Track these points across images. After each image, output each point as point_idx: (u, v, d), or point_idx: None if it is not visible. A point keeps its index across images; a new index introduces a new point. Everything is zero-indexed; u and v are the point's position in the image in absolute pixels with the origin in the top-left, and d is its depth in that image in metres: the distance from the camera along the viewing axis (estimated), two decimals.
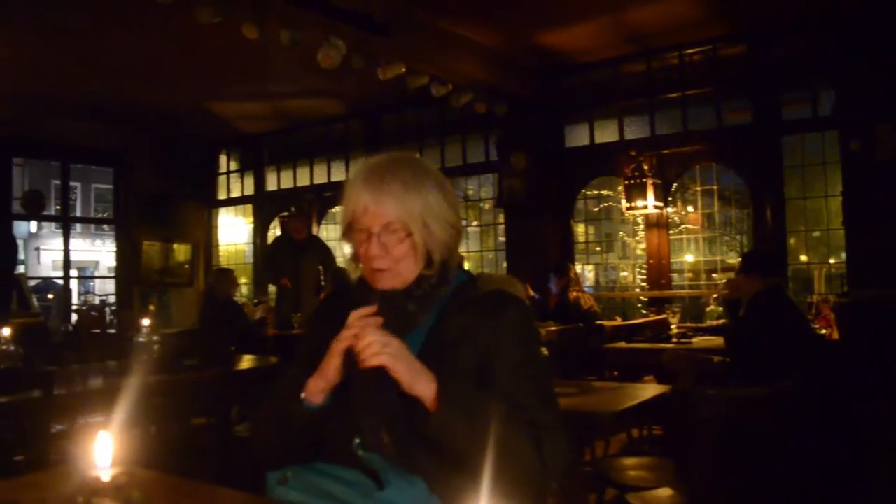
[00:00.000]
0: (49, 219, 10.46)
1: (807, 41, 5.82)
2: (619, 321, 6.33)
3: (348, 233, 1.40)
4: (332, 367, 1.29)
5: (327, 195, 8.60)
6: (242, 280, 8.85)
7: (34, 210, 8.62)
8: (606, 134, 6.92)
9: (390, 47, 5.33)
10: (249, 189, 9.34)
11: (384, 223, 1.33)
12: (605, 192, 7.44)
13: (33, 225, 16.32)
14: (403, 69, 5.56)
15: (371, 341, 1.24)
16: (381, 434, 1.27)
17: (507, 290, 1.45)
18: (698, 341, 4.75)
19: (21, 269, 11.20)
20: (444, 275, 1.40)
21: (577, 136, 7.07)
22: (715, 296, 6.28)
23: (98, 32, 5.48)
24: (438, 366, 1.28)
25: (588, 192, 7.30)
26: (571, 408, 2.31)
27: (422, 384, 1.24)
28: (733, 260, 7.08)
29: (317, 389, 1.31)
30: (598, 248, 8.01)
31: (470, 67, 6.03)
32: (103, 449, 0.79)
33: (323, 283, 6.75)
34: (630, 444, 4.23)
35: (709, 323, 6.12)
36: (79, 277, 16.70)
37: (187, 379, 2.90)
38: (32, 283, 13.61)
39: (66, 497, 1.40)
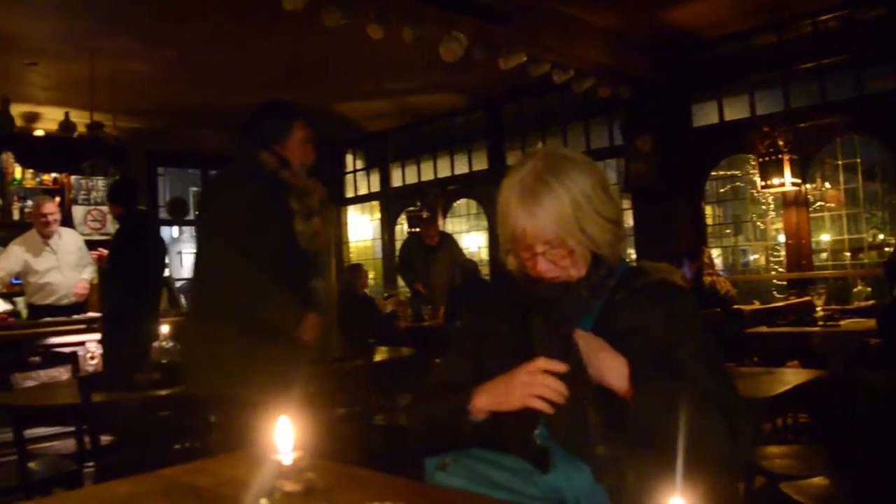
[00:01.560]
0: (191, 224, 11.10)
1: None
2: (757, 305, 6.07)
3: (511, 249, 1.42)
4: (511, 401, 1.30)
5: (451, 188, 8.70)
6: (371, 274, 9.10)
7: (178, 216, 9.19)
8: (736, 111, 6.63)
9: (511, 36, 5.32)
10: (375, 186, 9.58)
11: (545, 241, 1.34)
12: (732, 172, 7.14)
13: (175, 230, 17.38)
14: (524, 58, 5.54)
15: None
16: (583, 421, 1.28)
17: (671, 278, 1.44)
18: (847, 324, 4.49)
19: (166, 271, 11.98)
20: (611, 266, 1.42)
21: (706, 115, 6.82)
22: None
23: (232, 44, 5.78)
24: None
25: (714, 173, 7.03)
26: None
27: (614, 372, 1.26)
28: (881, 238, 6.63)
29: (486, 409, 1.33)
30: (727, 231, 7.70)
31: (591, 51, 5.93)
32: (284, 434, 0.84)
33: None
34: (774, 432, 4.05)
35: (856, 304, 5.77)
36: None
37: (333, 370, 3.03)
38: (177, 283, 14.49)
39: (241, 480, 1.50)
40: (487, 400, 1.32)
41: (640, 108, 6.81)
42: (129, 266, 4.95)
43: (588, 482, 1.21)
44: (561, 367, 1.25)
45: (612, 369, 1.26)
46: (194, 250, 2.81)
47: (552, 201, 1.32)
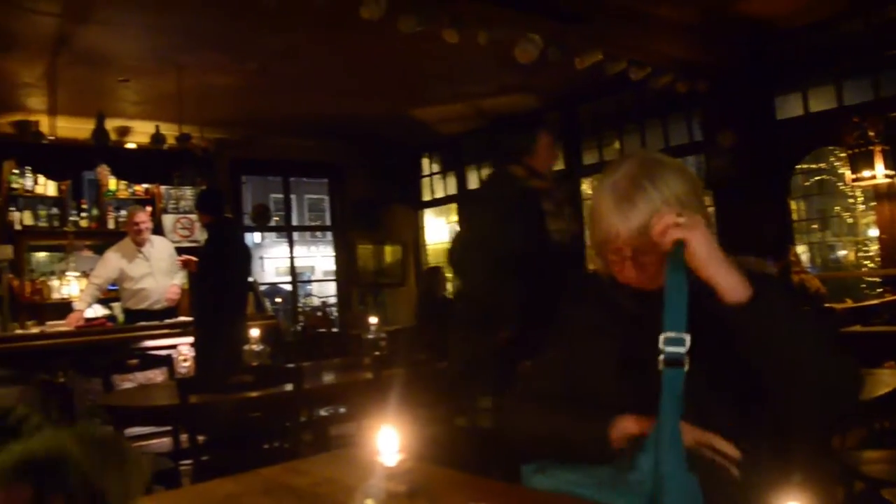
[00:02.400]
0: (273, 229, 11.42)
1: None
2: (849, 303, 5.84)
3: (601, 251, 1.42)
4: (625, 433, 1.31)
5: None
6: (449, 276, 9.15)
7: (261, 222, 9.47)
8: (822, 101, 6.39)
9: (586, 35, 5.29)
10: (452, 189, 9.64)
11: (635, 247, 1.34)
12: (817, 165, 6.88)
13: (257, 236, 17.90)
14: (600, 56, 5.49)
15: (667, 223, 1.24)
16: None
17: (763, 270, 1.42)
18: None
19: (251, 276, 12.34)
20: None
21: (790, 107, 6.59)
22: None
23: (310, 54, 5.92)
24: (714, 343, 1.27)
25: (798, 167, 6.80)
26: None
27: (723, 270, 1.21)
28: None
29: (631, 437, 1.32)
30: (814, 226, 7.43)
31: (668, 46, 5.83)
32: (389, 436, 0.88)
33: None
34: (873, 436, 3.89)
35: None
36: (302, 281, 18.10)
37: (419, 372, 3.08)
38: (262, 288, 14.87)
39: (337, 480, 1.55)
40: (636, 429, 1.31)
41: (720, 103, 6.64)
42: (217, 272, 5.12)
43: (695, 490, 1.20)
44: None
45: (720, 266, 1.21)
46: (456, 266, 3.11)
47: (646, 204, 1.32)
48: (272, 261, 20.30)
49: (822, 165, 6.80)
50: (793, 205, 7.02)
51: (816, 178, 6.99)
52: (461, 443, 3.59)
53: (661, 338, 1.23)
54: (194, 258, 5.76)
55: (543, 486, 1.28)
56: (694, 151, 7.30)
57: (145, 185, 7.90)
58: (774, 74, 6.57)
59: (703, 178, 6.96)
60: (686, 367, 1.21)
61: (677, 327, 1.22)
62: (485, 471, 1.44)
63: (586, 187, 8.00)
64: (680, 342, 1.22)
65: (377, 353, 3.41)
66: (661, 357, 1.22)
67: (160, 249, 6.14)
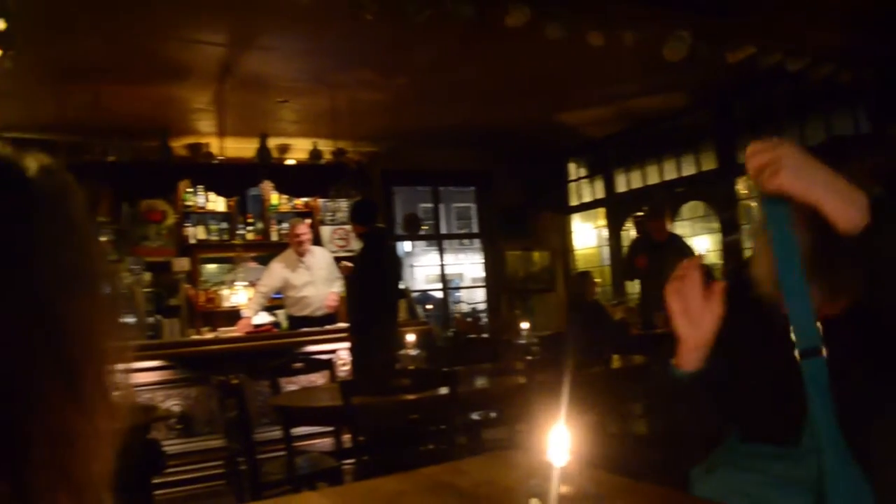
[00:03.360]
0: (423, 238, 11.70)
1: None
2: None
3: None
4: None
5: (679, 191, 8.41)
6: (597, 280, 9.02)
7: (412, 231, 9.74)
8: None
9: (738, 28, 5.07)
10: (600, 193, 9.50)
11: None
12: None
13: (407, 245, 18.39)
14: (754, 49, 5.26)
15: (760, 162, 1.11)
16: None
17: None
18: None
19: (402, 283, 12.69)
20: None
21: None
22: None
23: (457, 66, 6.03)
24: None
25: None
26: None
27: (831, 191, 1.02)
28: None
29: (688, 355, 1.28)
30: None
31: (829, 34, 5.48)
32: (558, 438, 0.89)
33: None
34: None
35: None
36: (451, 288, 18.40)
37: (571, 377, 3.07)
38: (413, 295, 15.27)
39: (498, 482, 1.58)
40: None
41: (890, 92, 6.16)
42: (371, 280, 5.32)
43: (862, 480, 1.13)
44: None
45: (838, 195, 1.02)
46: None
47: None
48: (422, 268, 20.77)
49: None
50: None
51: None
52: (615, 449, 3.54)
53: (791, 328, 1.13)
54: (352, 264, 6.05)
55: (711, 488, 1.25)
56: None
57: (304, 199, 8.33)
58: None
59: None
60: (824, 355, 1.10)
61: (802, 312, 1.11)
62: (640, 477, 1.42)
63: (741, 187, 7.64)
64: (810, 328, 1.11)
65: (529, 357, 3.43)
66: (796, 350, 1.13)
67: (320, 259, 6.46)
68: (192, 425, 5.37)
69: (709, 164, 8.05)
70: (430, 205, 10.54)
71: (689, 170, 8.29)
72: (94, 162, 6.01)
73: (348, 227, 8.08)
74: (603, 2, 4.61)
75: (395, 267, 5.72)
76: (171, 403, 5.28)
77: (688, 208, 8.58)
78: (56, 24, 4.70)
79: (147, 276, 6.72)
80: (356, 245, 6.68)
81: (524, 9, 4.32)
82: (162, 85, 6.08)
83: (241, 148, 7.17)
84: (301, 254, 6.32)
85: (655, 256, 6.62)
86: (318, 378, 5.29)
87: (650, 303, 6.60)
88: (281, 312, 7.24)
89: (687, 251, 6.74)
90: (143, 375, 5.27)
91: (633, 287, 8.26)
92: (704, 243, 8.60)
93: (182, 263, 6.85)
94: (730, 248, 7.62)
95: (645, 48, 4.96)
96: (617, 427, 3.90)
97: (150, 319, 6.22)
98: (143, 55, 5.40)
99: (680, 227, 8.52)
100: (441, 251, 10.29)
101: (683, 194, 8.43)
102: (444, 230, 11.09)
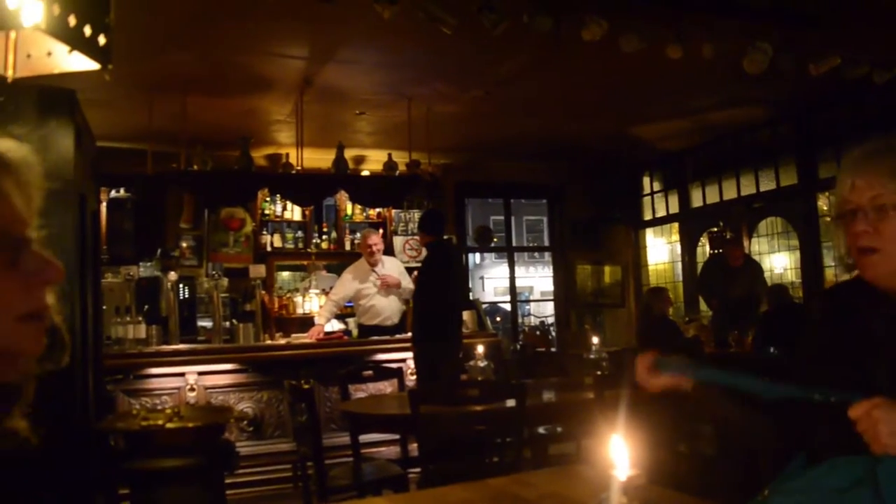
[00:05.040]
0: (494, 250, 11.72)
1: None
2: None
3: (838, 219, 1.33)
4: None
5: (756, 206, 8.20)
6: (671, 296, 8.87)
7: (484, 243, 9.77)
8: None
9: (822, 39, 4.93)
10: (674, 207, 9.33)
11: (871, 196, 1.24)
12: None
13: (477, 256, 18.45)
14: (839, 60, 5.10)
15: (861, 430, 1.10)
16: None
17: None
18: None
19: (472, 294, 12.69)
20: None
21: None
22: None
23: (532, 79, 6.04)
24: None
25: None
26: None
27: None
28: None
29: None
30: None
31: None
32: (620, 451, 0.90)
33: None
34: None
35: None
36: (521, 301, 18.35)
37: (641, 395, 3.03)
38: (482, 307, 15.29)
39: (562, 494, 1.58)
40: None
41: None
42: (433, 290, 5.34)
43: None
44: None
45: None
46: None
47: (892, 160, 1.24)
48: (492, 280, 20.78)
49: None
50: None
51: None
52: (683, 469, 3.47)
53: None
54: (391, 277, 6.25)
55: None
56: None
57: (378, 209, 8.46)
58: None
59: None
60: None
61: None
62: (706, 497, 1.40)
63: (822, 203, 7.39)
64: None
65: (599, 372, 3.40)
66: None
67: (391, 269, 6.54)
68: (263, 428, 5.51)
69: (789, 178, 7.82)
70: (501, 217, 10.55)
71: (767, 185, 8.06)
72: (179, 171, 6.24)
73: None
74: (681, 14, 4.55)
75: (459, 277, 5.73)
76: (244, 406, 5.43)
77: (765, 224, 8.35)
78: (151, 39, 4.92)
79: (224, 281, 6.93)
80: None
81: (601, 22, 4.30)
82: (245, 97, 6.29)
83: (318, 158, 7.34)
84: (373, 264, 6.41)
85: (730, 279, 6.57)
86: (387, 386, 5.36)
87: (723, 322, 6.49)
88: (351, 321, 7.36)
89: (760, 277, 6.66)
90: (218, 378, 5.44)
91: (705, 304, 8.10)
92: (782, 261, 8.35)
93: (258, 270, 7.04)
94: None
95: (723, 60, 4.87)
96: (685, 446, 3.82)
97: (227, 324, 6.40)
98: (230, 68, 5.60)
99: (757, 244, 8.30)
100: (511, 264, 10.28)
101: (761, 210, 8.21)
102: (515, 243, 11.08)
